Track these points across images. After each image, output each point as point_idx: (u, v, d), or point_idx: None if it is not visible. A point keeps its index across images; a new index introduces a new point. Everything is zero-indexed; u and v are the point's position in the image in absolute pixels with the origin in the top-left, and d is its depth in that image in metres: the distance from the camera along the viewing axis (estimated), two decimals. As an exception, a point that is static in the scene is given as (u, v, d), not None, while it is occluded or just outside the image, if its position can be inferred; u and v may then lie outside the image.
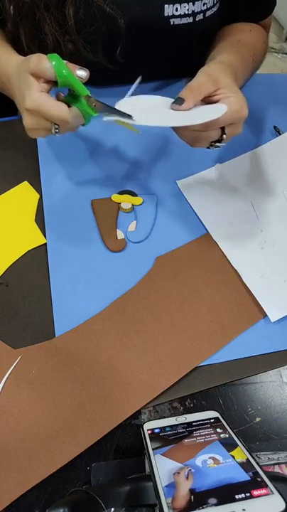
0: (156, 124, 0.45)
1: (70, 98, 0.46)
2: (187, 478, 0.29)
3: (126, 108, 0.45)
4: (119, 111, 0.44)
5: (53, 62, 0.43)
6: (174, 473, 0.30)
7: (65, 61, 0.44)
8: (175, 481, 0.29)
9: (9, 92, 0.54)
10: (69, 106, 0.45)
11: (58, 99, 0.46)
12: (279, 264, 0.52)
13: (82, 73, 0.45)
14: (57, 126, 0.46)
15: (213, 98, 0.46)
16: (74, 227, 0.55)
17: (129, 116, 0.44)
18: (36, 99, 0.43)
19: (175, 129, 0.49)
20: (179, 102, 0.45)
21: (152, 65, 0.64)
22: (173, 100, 0.46)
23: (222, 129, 0.47)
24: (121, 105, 0.46)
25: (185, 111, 0.45)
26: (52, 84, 0.46)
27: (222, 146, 0.49)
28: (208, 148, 0.50)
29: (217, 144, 0.49)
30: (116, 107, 0.45)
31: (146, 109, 0.47)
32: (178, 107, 0.45)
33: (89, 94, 0.45)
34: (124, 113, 0.44)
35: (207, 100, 0.47)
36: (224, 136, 0.48)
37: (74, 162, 0.61)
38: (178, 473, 0.30)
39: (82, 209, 0.57)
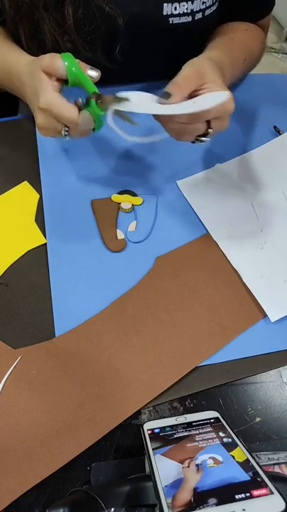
0: (155, 112, 0.45)
1: (85, 102, 0.47)
2: (197, 471, 0.29)
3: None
4: (116, 96, 0.45)
5: (66, 62, 0.44)
6: (183, 467, 0.30)
7: (78, 60, 0.45)
8: (183, 475, 0.29)
9: (19, 91, 0.54)
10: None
11: (76, 104, 0.47)
12: (279, 264, 0.52)
13: (93, 73, 0.46)
14: (67, 129, 0.46)
15: (199, 93, 0.46)
16: (74, 227, 0.55)
17: (125, 99, 0.44)
18: (49, 99, 0.44)
19: (161, 121, 0.48)
20: (166, 96, 0.45)
21: (151, 64, 0.64)
22: (160, 95, 0.45)
23: (208, 123, 0.47)
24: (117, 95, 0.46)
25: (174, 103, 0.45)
26: (63, 83, 0.46)
27: (207, 141, 0.49)
28: (193, 142, 0.50)
29: (203, 139, 0.49)
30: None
31: (139, 101, 0.47)
32: (165, 101, 0.45)
33: (97, 91, 0.45)
34: (120, 97, 0.44)
35: (193, 95, 0.46)
36: (210, 130, 0.47)
37: (74, 162, 0.61)
38: (187, 466, 0.30)
39: (82, 209, 0.57)
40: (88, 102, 0.46)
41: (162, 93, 0.45)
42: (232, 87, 0.70)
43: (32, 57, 0.50)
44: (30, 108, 0.49)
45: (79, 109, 0.45)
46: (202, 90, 0.46)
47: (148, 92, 0.48)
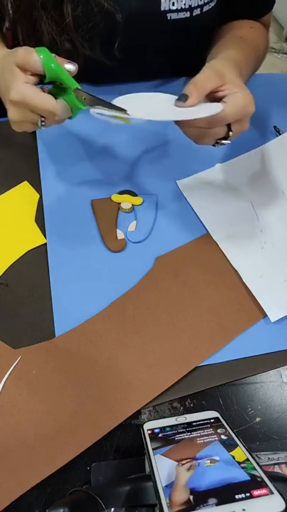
0: (149, 118, 0.44)
1: (55, 90, 0.46)
2: (188, 469, 0.29)
3: (121, 103, 0.44)
4: (111, 104, 0.43)
5: (41, 56, 0.43)
6: (178, 464, 0.30)
7: (53, 54, 0.43)
8: (175, 473, 0.29)
9: None
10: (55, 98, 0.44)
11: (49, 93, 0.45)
12: (279, 264, 0.52)
13: (71, 67, 0.44)
14: (43, 119, 0.45)
15: (218, 94, 0.45)
16: (74, 227, 0.55)
17: (123, 110, 0.42)
18: (22, 91, 0.42)
19: (180, 126, 0.48)
20: (183, 98, 0.43)
21: (150, 61, 0.64)
22: (177, 97, 0.44)
23: (228, 126, 0.46)
24: (116, 102, 0.45)
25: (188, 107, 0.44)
26: (39, 77, 0.45)
27: (228, 144, 0.48)
28: (214, 145, 0.49)
29: (223, 142, 0.48)
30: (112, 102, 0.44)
31: (142, 103, 0.46)
32: (183, 104, 0.44)
33: (79, 87, 0.44)
34: (117, 106, 0.43)
35: (212, 96, 0.46)
36: (231, 133, 0.47)
37: (74, 162, 0.61)
38: (182, 464, 0.30)
39: (82, 209, 0.57)
40: (62, 91, 0.45)
41: (179, 95, 0.44)
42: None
43: (7, 51, 0.49)
44: (4, 103, 0.47)
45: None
46: (222, 92, 0.45)
47: (153, 91, 0.47)
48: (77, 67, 0.45)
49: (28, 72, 0.44)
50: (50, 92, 0.45)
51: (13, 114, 0.45)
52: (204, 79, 0.45)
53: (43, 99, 0.43)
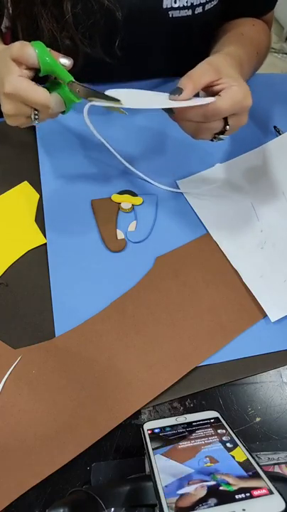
0: (142, 107, 0.44)
1: (50, 86, 0.46)
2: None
3: (114, 95, 0.44)
4: (105, 94, 0.43)
5: (36, 50, 0.43)
6: (189, 482, 0.29)
7: (49, 49, 0.44)
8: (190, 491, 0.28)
9: None
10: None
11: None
12: (279, 264, 0.52)
13: (66, 61, 0.44)
14: (36, 113, 0.45)
15: (215, 88, 0.45)
16: (74, 227, 0.55)
17: (116, 100, 0.43)
18: (16, 84, 0.43)
19: (176, 120, 0.47)
20: (177, 91, 0.43)
21: (151, 59, 0.63)
22: (170, 91, 0.44)
23: (225, 120, 0.46)
24: (109, 93, 0.45)
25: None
26: (34, 71, 0.45)
27: (226, 138, 0.48)
28: (211, 140, 0.49)
29: (221, 136, 0.48)
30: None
31: (135, 96, 0.46)
32: (177, 98, 0.43)
33: (73, 80, 0.44)
34: (110, 97, 0.43)
35: (209, 90, 0.45)
36: (228, 127, 0.46)
37: (74, 162, 0.61)
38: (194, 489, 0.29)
39: (82, 209, 0.57)
40: (57, 86, 0.45)
41: (173, 89, 0.44)
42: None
43: (4, 46, 0.49)
44: None
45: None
46: (218, 85, 0.45)
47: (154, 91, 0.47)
48: (71, 61, 0.45)
49: (23, 66, 0.44)
50: (44, 88, 0.45)
51: (6, 107, 0.45)
52: (200, 73, 0.44)
53: (36, 92, 0.43)
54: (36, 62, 0.43)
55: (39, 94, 0.43)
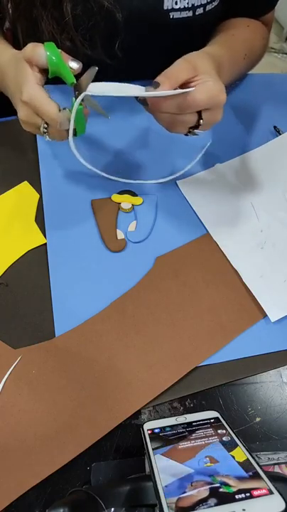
0: (112, 94, 0.45)
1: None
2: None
3: (95, 88, 0.45)
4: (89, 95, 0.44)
5: (47, 52, 0.44)
6: (192, 483, 0.29)
7: (60, 50, 0.44)
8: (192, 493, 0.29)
9: (1, 84, 0.53)
10: None
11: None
12: (279, 264, 0.52)
13: (74, 64, 0.45)
14: (45, 125, 0.46)
15: (191, 84, 0.45)
16: (74, 227, 0.55)
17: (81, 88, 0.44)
18: (31, 92, 0.44)
19: (151, 111, 0.48)
20: (154, 85, 0.44)
21: (152, 60, 0.63)
22: (147, 85, 0.45)
23: (199, 114, 0.46)
24: (95, 87, 0.45)
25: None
26: (46, 75, 0.46)
27: (200, 134, 0.48)
28: (186, 135, 0.49)
29: (195, 131, 0.48)
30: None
31: (116, 88, 0.47)
32: (153, 90, 0.44)
33: (75, 82, 0.45)
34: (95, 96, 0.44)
35: (185, 87, 0.45)
36: (201, 121, 0.47)
37: (74, 162, 0.61)
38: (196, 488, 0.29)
39: (82, 209, 0.57)
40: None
41: (150, 83, 0.44)
42: (232, 86, 0.70)
43: (16, 50, 0.50)
44: (12, 102, 0.49)
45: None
46: (194, 82, 0.45)
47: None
48: (80, 66, 0.45)
49: (36, 68, 0.45)
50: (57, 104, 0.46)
51: (21, 113, 0.46)
52: (177, 70, 0.45)
53: (48, 105, 0.44)
54: (45, 62, 0.44)
55: (49, 107, 0.44)
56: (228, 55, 0.56)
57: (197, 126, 0.47)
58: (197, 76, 0.45)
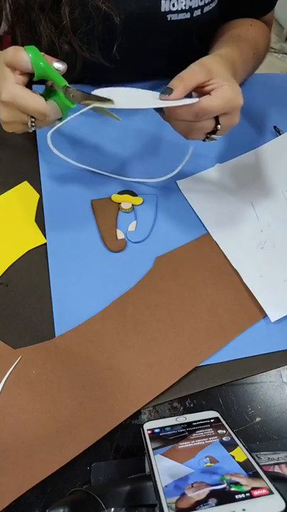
0: (133, 107, 0.45)
1: (45, 92, 0.46)
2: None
3: (105, 94, 0.44)
4: (98, 96, 0.44)
5: (30, 54, 0.43)
6: (192, 484, 0.29)
7: (42, 53, 0.44)
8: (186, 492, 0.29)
9: None
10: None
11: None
12: (279, 264, 0.52)
13: (60, 66, 0.44)
14: (33, 120, 0.45)
15: (206, 88, 0.45)
16: (74, 227, 0.55)
17: (109, 101, 0.43)
18: (12, 91, 0.43)
19: (168, 119, 0.48)
20: (168, 91, 0.43)
21: (150, 62, 0.63)
22: (159, 93, 0.44)
23: (217, 120, 0.46)
24: (97, 92, 0.45)
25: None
26: (28, 76, 0.45)
27: (218, 138, 0.48)
28: (204, 140, 0.49)
29: (213, 136, 0.48)
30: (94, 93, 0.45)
31: (125, 95, 0.47)
32: (167, 97, 0.43)
33: (67, 85, 0.44)
34: (103, 98, 0.43)
35: (201, 91, 0.45)
36: (219, 126, 0.46)
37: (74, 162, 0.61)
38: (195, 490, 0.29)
39: (82, 209, 0.57)
40: (52, 93, 0.45)
41: (164, 89, 0.44)
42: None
43: None
44: None
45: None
46: (209, 86, 0.45)
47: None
48: (65, 66, 0.45)
49: (17, 72, 0.44)
50: (41, 95, 0.45)
51: (4, 114, 0.45)
52: (191, 73, 0.45)
53: (34, 100, 0.43)
54: (30, 66, 0.43)
55: (36, 102, 0.43)
56: (239, 55, 0.56)
57: (214, 131, 0.47)
58: (213, 79, 0.45)
